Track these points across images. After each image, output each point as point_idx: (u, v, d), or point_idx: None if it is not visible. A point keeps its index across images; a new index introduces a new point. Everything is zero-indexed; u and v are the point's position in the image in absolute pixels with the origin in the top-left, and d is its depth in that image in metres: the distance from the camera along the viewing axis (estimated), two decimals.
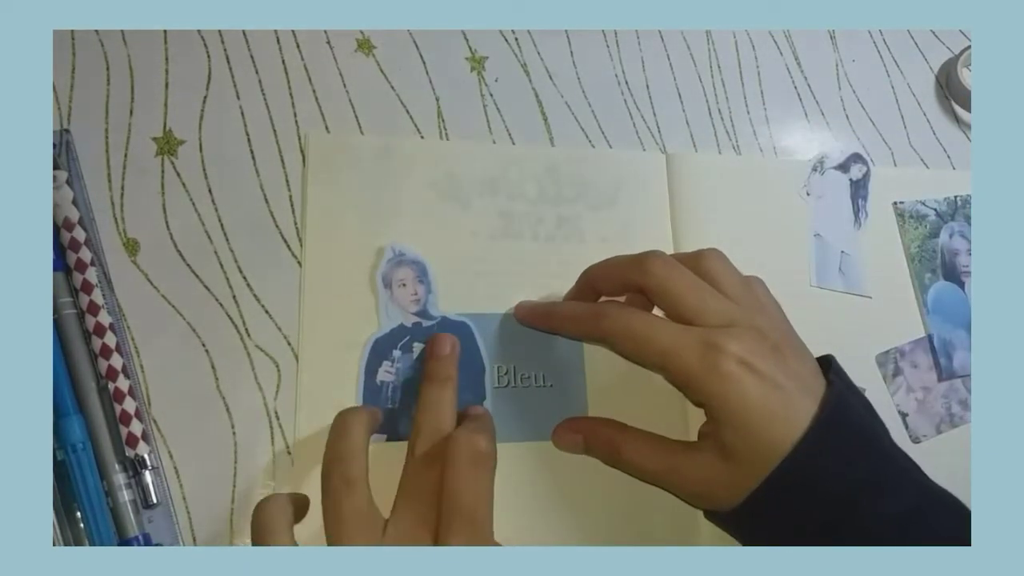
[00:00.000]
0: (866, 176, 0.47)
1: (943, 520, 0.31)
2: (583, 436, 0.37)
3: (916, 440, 0.43)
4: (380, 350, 0.38)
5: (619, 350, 0.34)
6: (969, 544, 0.28)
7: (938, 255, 0.47)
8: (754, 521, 0.32)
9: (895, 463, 0.32)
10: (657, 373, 0.34)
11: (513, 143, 0.44)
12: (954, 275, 0.46)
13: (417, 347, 0.38)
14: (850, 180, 0.47)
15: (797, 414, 0.31)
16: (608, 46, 0.48)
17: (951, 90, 0.52)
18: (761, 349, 0.32)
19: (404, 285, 0.39)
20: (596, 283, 0.37)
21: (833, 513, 0.31)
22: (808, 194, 0.45)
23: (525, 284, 0.41)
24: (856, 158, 0.47)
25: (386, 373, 0.37)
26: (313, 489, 0.34)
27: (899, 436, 0.43)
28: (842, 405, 0.32)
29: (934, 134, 0.51)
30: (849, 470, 0.31)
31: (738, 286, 0.35)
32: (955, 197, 0.48)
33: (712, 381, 0.31)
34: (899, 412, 0.43)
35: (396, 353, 0.38)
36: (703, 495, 0.34)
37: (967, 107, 0.51)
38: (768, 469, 0.31)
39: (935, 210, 0.48)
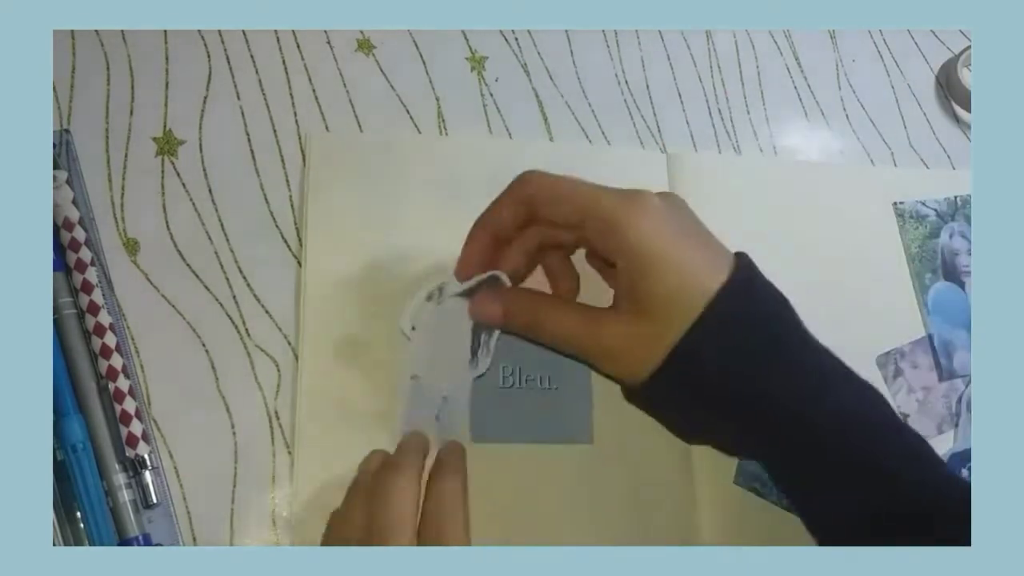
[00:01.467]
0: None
1: (850, 390, 0.33)
2: (502, 306, 0.35)
3: None
4: None
5: (545, 213, 0.34)
6: None
7: (938, 255, 0.47)
8: (671, 387, 0.33)
9: (801, 329, 0.34)
10: (576, 233, 0.34)
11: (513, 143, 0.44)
12: (954, 275, 0.46)
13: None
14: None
15: (713, 270, 0.32)
16: (608, 46, 0.48)
17: (951, 90, 0.52)
18: (679, 208, 0.34)
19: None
20: (492, 227, 0.35)
21: (746, 374, 0.32)
22: (413, 329, 0.37)
23: (526, 282, 0.40)
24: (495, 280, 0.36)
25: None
26: (313, 490, 0.34)
27: None
28: (753, 269, 0.34)
29: (934, 134, 0.51)
30: (761, 329, 0.32)
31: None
32: (955, 197, 0.48)
33: (633, 228, 0.32)
34: (900, 413, 0.43)
35: None
36: (618, 357, 0.33)
37: (967, 107, 0.51)
38: (684, 324, 0.31)
39: (935, 210, 0.48)
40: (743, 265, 0.33)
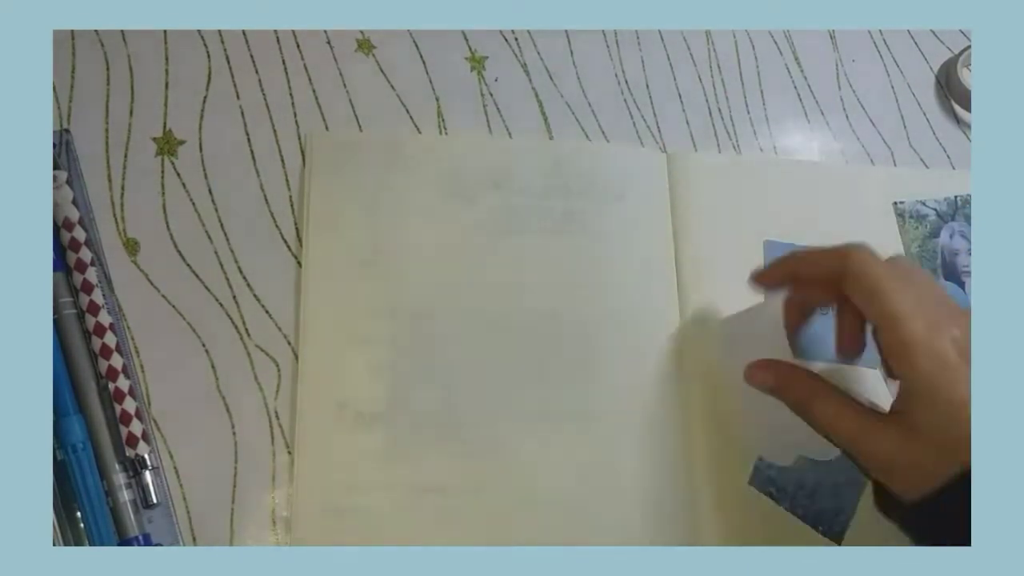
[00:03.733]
0: None
1: None
2: (775, 378, 0.37)
3: None
4: None
5: (855, 297, 0.34)
6: None
7: (938, 255, 0.47)
8: (937, 517, 0.31)
9: None
10: (875, 327, 0.33)
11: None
12: (954, 275, 0.46)
13: None
14: None
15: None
16: (608, 46, 0.48)
17: (951, 90, 0.52)
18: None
19: None
20: (795, 268, 0.37)
21: None
22: None
23: (530, 278, 0.41)
24: None
25: None
26: (313, 490, 0.33)
27: None
28: None
29: (934, 134, 0.50)
30: None
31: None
32: (955, 197, 0.48)
33: (929, 358, 0.31)
34: None
35: None
36: (888, 472, 0.33)
37: (967, 107, 0.51)
38: (957, 461, 0.29)
39: (935, 210, 0.48)
40: None
